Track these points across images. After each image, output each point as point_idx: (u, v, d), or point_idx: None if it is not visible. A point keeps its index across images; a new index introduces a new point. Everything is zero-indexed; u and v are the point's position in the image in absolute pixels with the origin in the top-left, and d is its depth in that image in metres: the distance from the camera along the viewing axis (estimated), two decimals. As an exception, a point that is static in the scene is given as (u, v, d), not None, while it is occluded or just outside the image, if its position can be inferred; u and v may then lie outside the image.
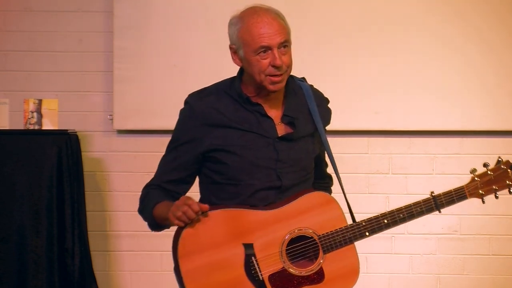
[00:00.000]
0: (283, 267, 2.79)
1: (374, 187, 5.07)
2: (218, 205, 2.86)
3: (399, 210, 2.92)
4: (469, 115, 5.00)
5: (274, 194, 2.88)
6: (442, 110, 5.00)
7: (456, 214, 4.95)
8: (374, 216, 2.90)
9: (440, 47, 4.99)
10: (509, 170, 2.96)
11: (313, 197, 2.87)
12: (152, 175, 5.24)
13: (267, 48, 2.81)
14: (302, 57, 4.81)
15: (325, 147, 2.98)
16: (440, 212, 2.94)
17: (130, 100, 5.06)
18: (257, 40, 2.80)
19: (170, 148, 2.96)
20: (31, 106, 4.86)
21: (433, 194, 2.93)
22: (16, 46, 5.18)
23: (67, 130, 4.91)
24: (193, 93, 2.98)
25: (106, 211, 5.18)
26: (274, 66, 2.82)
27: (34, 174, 4.74)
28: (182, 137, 2.92)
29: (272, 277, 2.79)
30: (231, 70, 5.00)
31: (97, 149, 5.17)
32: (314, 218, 2.83)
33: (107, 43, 5.14)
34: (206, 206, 2.76)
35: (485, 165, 2.96)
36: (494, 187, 2.95)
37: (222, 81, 2.98)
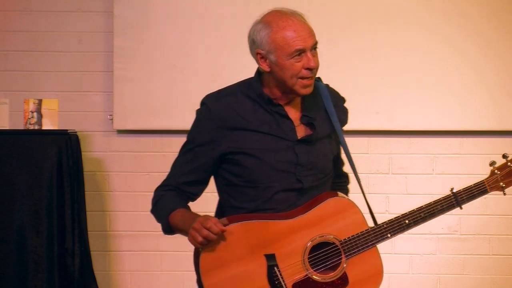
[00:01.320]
0: (307, 275, 2.78)
1: (374, 187, 5.07)
2: (237, 209, 2.85)
3: (419, 209, 2.88)
4: (469, 115, 5.00)
5: (294, 196, 2.86)
6: (442, 110, 5.00)
7: (456, 214, 4.91)
8: (395, 217, 2.87)
9: (441, 47, 4.99)
10: None
11: (332, 203, 2.85)
12: (152, 175, 5.27)
13: (301, 51, 2.80)
14: (302, 57, 4.81)
15: (343, 148, 2.96)
16: (461, 208, 2.90)
17: (130, 100, 5.06)
18: (291, 44, 2.78)
19: (186, 149, 2.92)
20: (31, 106, 4.86)
21: (453, 191, 2.89)
22: (16, 46, 5.18)
23: (67, 130, 4.91)
24: (210, 93, 2.95)
25: (106, 211, 5.18)
26: (307, 69, 2.81)
27: (34, 174, 4.74)
28: (199, 138, 2.89)
29: (296, 285, 2.77)
30: (231, 70, 5.02)
31: (97, 149, 5.17)
32: (335, 224, 2.81)
33: (107, 43, 5.14)
34: (223, 228, 2.73)
35: (504, 156, 2.93)
36: None
37: (239, 82, 2.96)
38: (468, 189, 2.91)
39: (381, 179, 5.10)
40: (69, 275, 4.76)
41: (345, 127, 5.07)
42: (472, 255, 5.08)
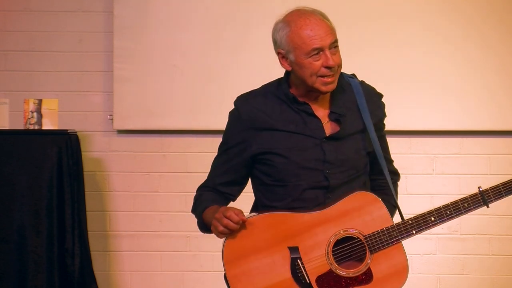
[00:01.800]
0: (330, 269, 2.78)
1: (374, 187, 5.06)
2: (269, 208, 2.87)
3: (446, 206, 2.86)
4: (469, 115, 5.00)
5: (323, 194, 2.86)
6: (442, 110, 5.00)
7: (456, 214, 4.94)
8: (420, 214, 2.85)
9: (441, 47, 4.99)
10: None
11: (357, 197, 2.84)
12: (152, 175, 5.28)
13: (319, 50, 2.81)
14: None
15: (373, 144, 2.95)
16: (488, 207, 2.88)
17: (130, 100, 5.06)
18: (308, 43, 2.80)
19: (221, 150, 2.97)
20: (31, 106, 4.86)
21: (480, 189, 2.87)
22: (16, 46, 5.18)
23: (67, 130, 4.91)
24: (241, 95, 2.98)
25: (106, 211, 5.18)
26: (326, 67, 2.83)
27: (34, 174, 4.74)
28: (231, 140, 2.94)
29: (319, 279, 2.77)
30: (231, 70, 5.01)
31: (97, 149, 5.17)
32: (360, 218, 2.81)
33: (107, 43, 5.14)
34: (244, 217, 2.76)
35: None
36: None
37: (269, 82, 2.98)
38: (496, 187, 2.88)
39: (381, 179, 5.09)
40: (69, 275, 4.76)
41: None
42: (472, 255, 5.08)
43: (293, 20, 2.84)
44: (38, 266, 4.70)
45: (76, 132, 4.99)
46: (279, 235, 2.79)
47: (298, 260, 2.78)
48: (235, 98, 2.98)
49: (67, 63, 5.17)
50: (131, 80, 5.05)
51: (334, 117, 2.90)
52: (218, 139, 3.02)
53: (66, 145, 4.79)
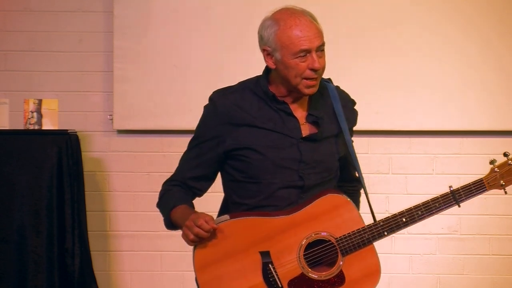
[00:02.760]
0: (302, 272, 2.77)
1: (374, 187, 5.07)
2: (240, 205, 2.86)
3: (417, 207, 2.85)
4: (469, 115, 5.00)
5: (296, 194, 2.85)
6: (442, 110, 5.00)
7: (456, 214, 4.94)
8: (391, 215, 2.85)
9: (440, 47, 4.99)
10: None
11: (328, 199, 2.84)
12: (152, 175, 5.28)
13: (306, 52, 2.79)
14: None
15: (349, 149, 2.95)
16: (459, 206, 2.87)
17: (130, 100, 5.06)
18: (297, 43, 2.78)
19: (193, 144, 2.94)
20: (31, 106, 4.86)
21: (451, 189, 2.87)
22: (16, 46, 5.18)
23: (67, 130, 4.91)
24: (218, 89, 2.96)
25: (106, 211, 5.18)
26: (312, 69, 2.80)
27: (34, 174, 4.74)
28: (205, 134, 2.90)
29: (291, 283, 2.76)
30: (231, 69, 5.02)
31: (97, 149, 5.17)
32: (331, 221, 2.81)
33: (107, 43, 5.14)
34: (215, 226, 2.74)
35: (505, 154, 2.90)
36: None
37: (247, 79, 2.96)
38: (467, 187, 2.88)
39: (381, 179, 5.10)
40: (69, 275, 4.76)
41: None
42: (472, 255, 5.08)
43: (282, 18, 2.82)
44: (38, 266, 4.70)
45: (76, 132, 4.99)
46: (250, 240, 2.77)
47: (270, 265, 2.76)
48: (212, 93, 2.94)
49: (67, 63, 5.17)
50: (131, 80, 5.05)
51: (312, 119, 2.89)
52: (218, 139, 3.01)
53: (66, 145, 4.79)
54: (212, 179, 2.95)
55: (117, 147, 5.16)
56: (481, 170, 5.05)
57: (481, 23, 4.99)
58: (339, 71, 4.96)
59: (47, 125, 4.85)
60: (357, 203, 3.04)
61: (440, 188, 4.84)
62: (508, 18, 5.00)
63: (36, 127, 4.85)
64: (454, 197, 2.87)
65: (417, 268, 5.08)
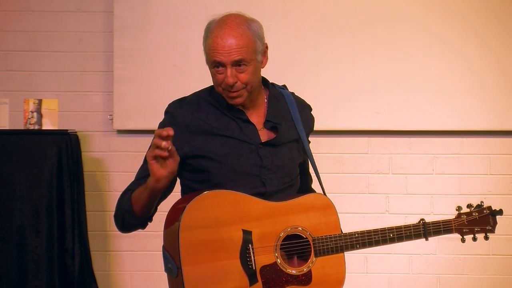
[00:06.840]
0: (275, 262, 2.78)
1: (374, 187, 5.07)
2: None
3: (390, 229, 2.92)
4: (469, 115, 5.00)
5: None
6: (442, 110, 5.00)
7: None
8: (367, 230, 2.90)
9: (440, 47, 5.00)
10: (490, 216, 3.13)
11: (316, 198, 2.88)
12: (152, 175, 5.24)
13: (220, 64, 2.76)
14: (302, 57, 4.81)
15: (307, 154, 2.96)
16: (427, 240, 2.97)
17: (130, 100, 5.06)
18: (211, 54, 2.77)
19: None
20: (31, 106, 4.86)
21: (423, 221, 2.96)
22: (16, 46, 5.19)
23: (67, 130, 4.91)
24: (172, 102, 2.93)
25: (106, 211, 5.18)
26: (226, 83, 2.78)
27: (34, 174, 4.74)
28: None
29: (263, 269, 2.77)
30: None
31: (97, 149, 5.17)
32: (313, 219, 2.83)
33: (107, 43, 5.14)
34: (171, 131, 2.60)
35: (469, 205, 3.04)
36: (476, 228, 3.05)
37: (201, 89, 2.95)
38: (436, 223, 2.97)
39: (381, 179, 5.10)
40: (69, 275, 4.76)
41: (345, 127, 5.10)
42: (472, 255, 5.08)
43: (210, 26, 2.83)
44: (38, 266, 4.70)
45: (76, 132, 4.99)
46: (237, 215, 2.75)
47: (249, 245, 2.75)
48: (167, 106, 2.91)
49: (67, 63, 5.17)
50: (131, 80, 5.06)
51: (270, 125, 2.89)
52: (218, 139, 3.01)
53: (66, 145, 4.79)
54: (169, 189, 2.87)
55: (117, 147, 5.16)
56: (481, 170, 5.07)
57: (481, 23, 4.99)
58: (340, 71, 4.98)
59: (47, 125, 4.86)
60: None
61: (440, 188, 4.82)
62: (508, 18, 5.00)
63: (36, 127, 4.85)
64: (424, 230, 2.96)
65: (417, 268, 5.08)
